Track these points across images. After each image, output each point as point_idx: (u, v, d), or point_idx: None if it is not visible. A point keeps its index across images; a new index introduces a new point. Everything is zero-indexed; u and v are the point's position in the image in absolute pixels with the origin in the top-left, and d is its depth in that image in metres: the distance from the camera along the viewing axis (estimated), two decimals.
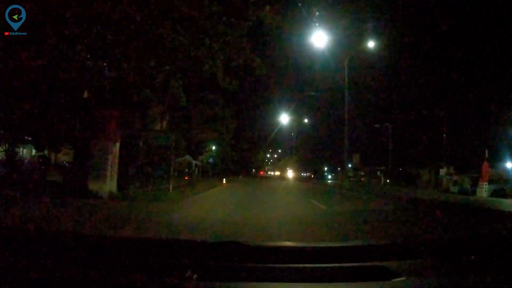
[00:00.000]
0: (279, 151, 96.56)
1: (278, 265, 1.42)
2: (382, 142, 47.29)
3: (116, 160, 12.44)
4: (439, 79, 36.56)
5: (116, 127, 12.31)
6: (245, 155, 62.86)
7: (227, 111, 35.77)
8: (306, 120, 51.78)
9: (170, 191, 13.32)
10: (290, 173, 59.69)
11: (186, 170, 34.55)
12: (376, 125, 42.19)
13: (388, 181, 42.77)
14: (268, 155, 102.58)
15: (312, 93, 28.34)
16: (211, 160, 29.12)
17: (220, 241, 1.60)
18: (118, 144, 12.52)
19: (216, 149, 43.64)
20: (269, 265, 1.42)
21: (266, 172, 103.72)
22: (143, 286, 1.30)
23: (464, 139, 37.67)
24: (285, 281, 1.34)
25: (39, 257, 1.49)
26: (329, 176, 45.99)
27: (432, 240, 2.02)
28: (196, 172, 36.08)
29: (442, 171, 31.40)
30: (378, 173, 52.55)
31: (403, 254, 1.55)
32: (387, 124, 42.19)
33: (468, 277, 1.37)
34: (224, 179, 22.63)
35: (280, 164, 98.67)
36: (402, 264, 1.44)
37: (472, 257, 1.50)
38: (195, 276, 1.30)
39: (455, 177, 28.44)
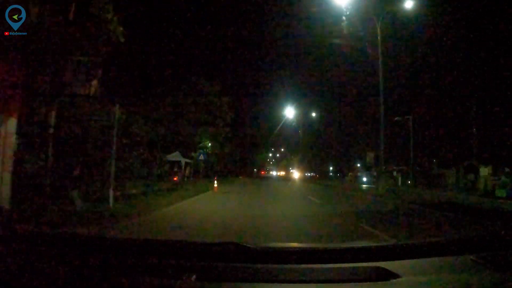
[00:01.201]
0: (282, 150, 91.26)
1: (277, 266, 1.41)
2: (401, 137, 41.95)
3: (9, 151, 6.97)
4: (471, 61, 31.09)
5: (8, 90, 6.82)
6: (245, 153, 57.60)
7: (223, 100, 30.20)
8: (314, 114, 46.07)
9: (112, 204, 7.78)
10: (295, 173, 53.94)
11: (175, 169, 29.30)
12: (396, 118, 36.56)
13: (409, 182, 37.19)
14: (270, 154, 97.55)
15: (336, 40, 20.91)
16: (201, 157, 23.59)
17: (219, 242, 1.58)
18: (13, 122, 7.04)
19: (211, 146, 38.44)
20: (268, 266, 1.41)
21: (268, 172, 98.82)
22: (142, 287, 1.30)
23: (500, 132, 32.34)
24: (283, 282, 1.32)
25: (38, 258, 1.50)
26: (364, 179, 38.09)
27: (431, 241, 1.79)
28: (187, 172, 30.73)
29: (484, 171, 25.89)
30: (394, 173, 46.99)
31: (401, 254, 1.52)
32: (408, 117, 36.59)
33: (466, 277, 1.37)
34: (215, 182, 16.96)
35: (282, 164, 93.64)
36: (401, 264, 1.43)
37: (471, 257, 1.47)
38: (194, 277, 1.29)
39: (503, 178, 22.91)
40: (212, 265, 1.39)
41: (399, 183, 42.44)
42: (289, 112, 43.89)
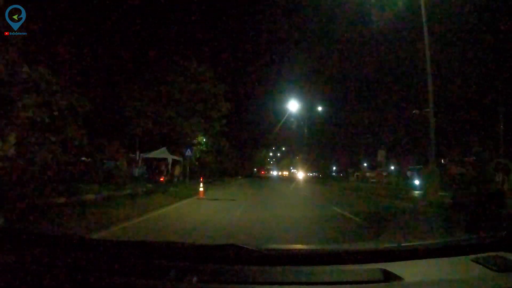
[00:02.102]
0: (283, 148, 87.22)
1: (278, 268, 1.39)
2: (417, 133, 37.80)
3: None
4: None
5: None
6: (244, 151, 53.38)
7: (219, 88, 25.84)
8: (320, 108, 41.77)
9: None
10: (300, 174, 49.46)
11: (162, 169, 25.09)
12: (414, 111, 32.28)
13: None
14: (270, 154, 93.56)
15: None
16: (188, 152, 19.29)
17: (219, 244, 1.56)
18: None
19: (206, 142, 34.29)
20: (269, 267, 1.40)
21: (268, 171, 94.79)
22: None
23: None
24: (284, 284, 1.30)
25: (30, 258, 1.49)
26: (416, 181, 25.92)
27: (432, 242, 1.75)
28: (177, 171, 26.53)
29: None
30: (408, 173, 42.76)
31: (403, 256, 1.53)
32: (428, 110, 32.21)
33: (467, 278, 1.37)
34: (201, 185, 12.46)
35: (283, 163, 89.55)
36: (403, 266, 1.43)
37: (472, 257, 1.49)
38: (195, 279, 1.29)
39: None
40: (213, 267, 1.39)
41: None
42: (293, 105, 39.47)
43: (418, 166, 39.75)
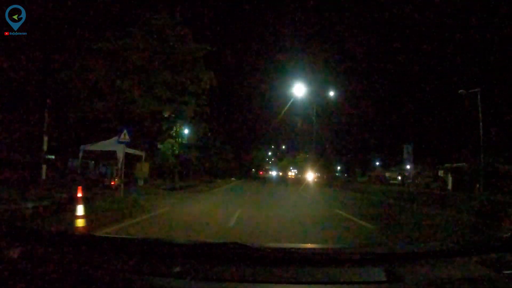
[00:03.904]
0: (283, 147, 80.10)
1: (280, 267, 1.39)
2: (457, 122, 30.17)
3: None
4: None
5: None
6: (241, 149, 45.66)
7: (197, 49, 17.75)
8: (332, 93, 33.91)
9: None
10: (309, 174, 41.43)
11: (116, 168, 17.19)
12: (460, 91, 24.65)
13: (478, 186, 25.15)
14: (269, 153, 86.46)
15: None
16: (123, 136, 11.24)
17: (222, 242, 1.58)
18: None
19: (192, 134, 26.63)
20: (271, 267, 1.39)
21: (266, 172, 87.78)
22: (145, 287, 1.28)
23: None
24: (286, 283, 1.31)
25: (30, 256, 1.47)
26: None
27: (436, 244, 1.81)
28: (141, 171, 18.75)
29: None
30: (441, 173, 35.09)
31: (407, 257, 1.53)
32: (476, 90, 24.51)
33: (470, 278, 1.35)
34: (79, 208, 4.38)
35: (284, 163, 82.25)
36: (407, 266, 1.41)
37: (475, 258, 1.47)
38: (198, 276, 1.28)
39: None
40: (216, 265, 1.38)
41: (449, 186, 30.40)
42: (298, 90, 31.50)
43: (457, 164, 32.16)
